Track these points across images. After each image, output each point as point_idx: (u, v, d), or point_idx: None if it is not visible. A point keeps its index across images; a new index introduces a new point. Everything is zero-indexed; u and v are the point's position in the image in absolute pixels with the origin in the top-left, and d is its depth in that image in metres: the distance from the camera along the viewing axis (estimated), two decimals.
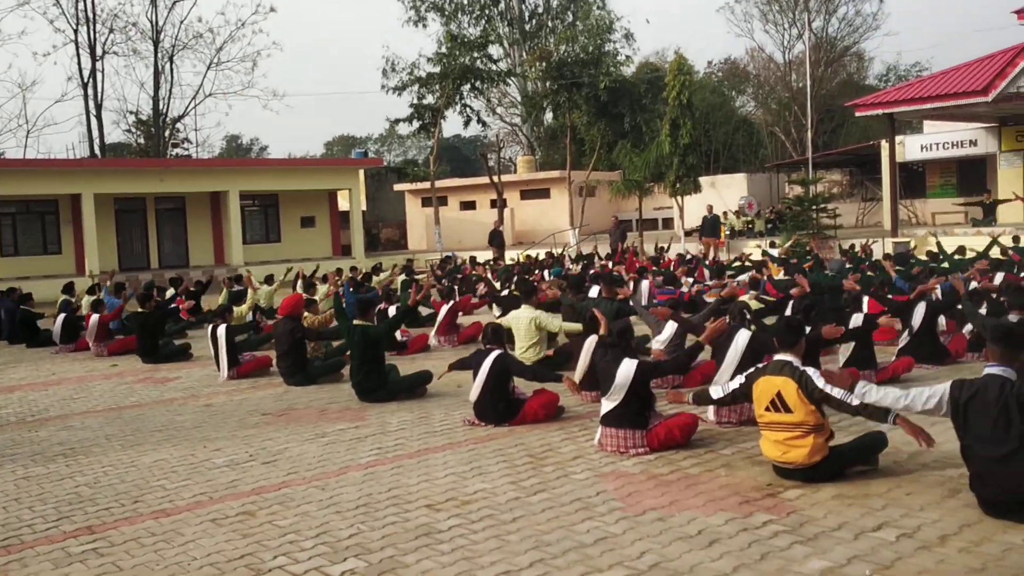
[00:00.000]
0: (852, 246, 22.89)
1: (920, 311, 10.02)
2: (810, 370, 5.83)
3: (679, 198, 28.72)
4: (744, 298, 12.93)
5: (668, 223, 39.45)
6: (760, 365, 6.14)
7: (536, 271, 21.33)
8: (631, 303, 10.78)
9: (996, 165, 27.71)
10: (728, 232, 29.80)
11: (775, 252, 22.14)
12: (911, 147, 29.54)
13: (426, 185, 38.13)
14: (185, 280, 18.36)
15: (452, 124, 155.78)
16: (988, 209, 25.88)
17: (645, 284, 15.32)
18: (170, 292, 16.19)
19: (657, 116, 33.93)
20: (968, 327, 10.18)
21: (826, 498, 5.61)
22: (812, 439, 5.78)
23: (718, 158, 47.78)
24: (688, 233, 33.12)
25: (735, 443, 7.02)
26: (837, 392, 5.69)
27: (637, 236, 29.79)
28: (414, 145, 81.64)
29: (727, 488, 5.88)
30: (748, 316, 8.03)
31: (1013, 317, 7.94)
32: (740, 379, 6.24)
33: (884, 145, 28.26)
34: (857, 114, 26.30)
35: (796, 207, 27.48)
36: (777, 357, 6.04)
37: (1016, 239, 19.42)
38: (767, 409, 5.95)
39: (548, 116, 51.98)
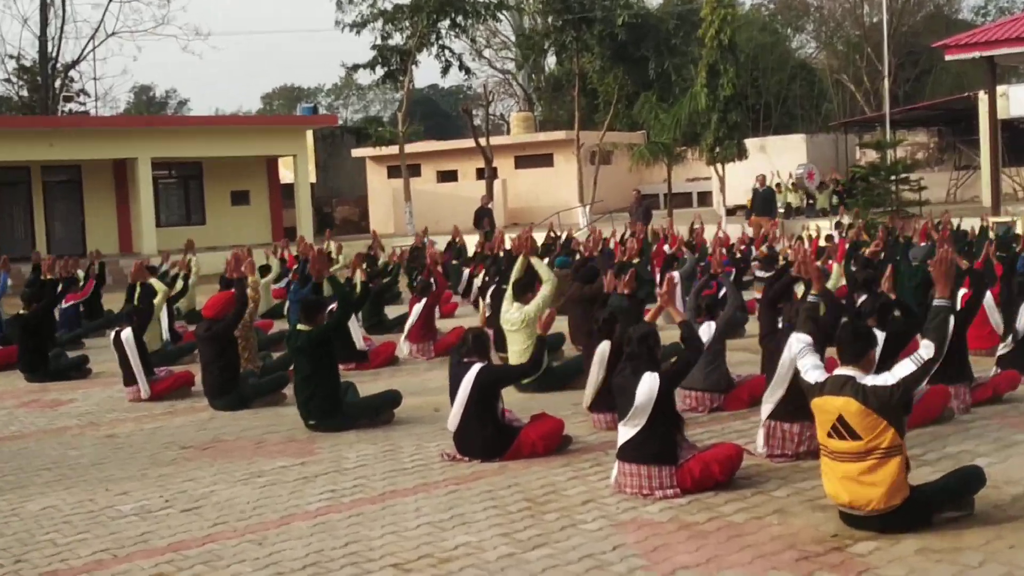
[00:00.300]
0: (958, 226, 22.99)
1: None
2: (868, 377, 5.88)
3: (719, 166, 28.79)
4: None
5: (705, 198, 39.52)
6: (821, 380, 6.16)
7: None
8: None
9: None
10: (783, 210, 29.91)
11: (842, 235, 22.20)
12: (1017, 100, 29.67)
13: (393, 150, 38.14)
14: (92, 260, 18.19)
15: (427, 71, 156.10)
16: None
17: (675, 275, 15.38)
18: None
19: (690, 61, 34.04)
20: None
21: (907, 553, 5.65)
22: (890, 472, 5.80)
23: (769, 115, 47.93)
24: (731, 211, 33.21)
25: (791, 482, 7.06)
26: (908, 367, 5.79)
27: (666, 215, 29.82)
28: (378, 99, 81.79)
29: (780, 540, 5.91)
30: (815, 320, 8.03)
31: None
32: (777, 394, 6.26)
33: (982, 98, 28.31)
34: (947, 58, 26.41)
35: (870, 177, 27.60)
36: (838, 371, 6.07)
37: None
38: (829, 436, 5.99)
39: (551, 61, 52.09)
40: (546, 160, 40.07)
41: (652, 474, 6.85)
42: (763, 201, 26.78)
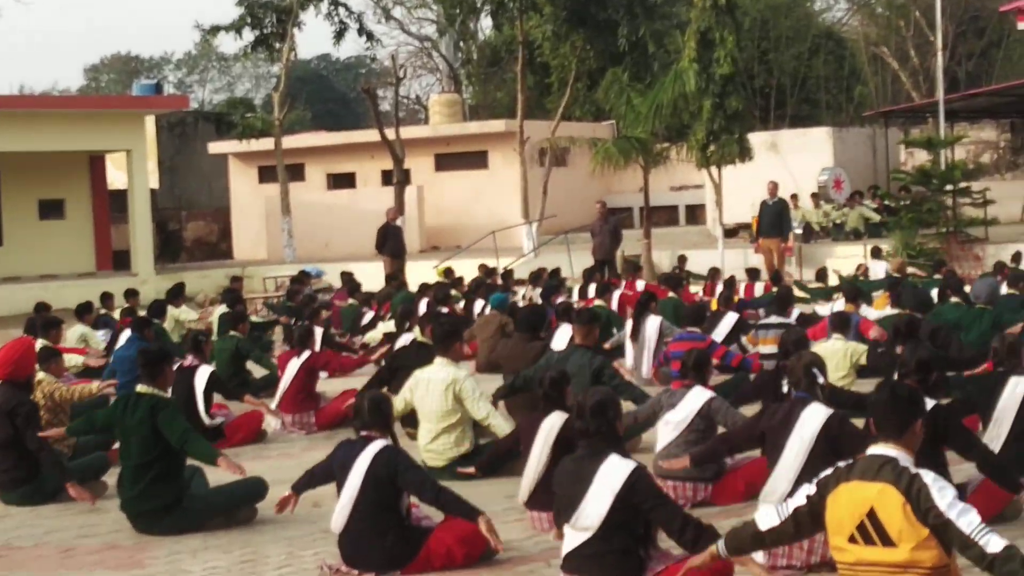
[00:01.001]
0: (1018, 256, 23.52)
1: None
2: (928, 475, 5.97)
3: (714, 170, 29.16)
4: (822, 347, 13.36)
5: (696, 213, 39.91)
6: (842, 464, 6.27)
7: (460, 299, 21.50)
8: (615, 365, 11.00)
9: None
10: (800, 229, 30.33)
11: (882, 267, 22.68)
12: None
13: (268, 144, 38.09)
14: None
15: (314, 37, 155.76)
16: None
17: (653, 323, 15.61)
18: None
19: (676, 27, 34.48)
20: None
21: None
22: None
23: (783, 101, 48.66)
24: (731, 232, 33.56)
25: None
26: (969, 523, 5.81)
27: (642, 237, 30.13)
28: (247, 74, 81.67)
29: None
30: (822, 381, 8.19)
31: None
32: (808, 489, 6.35)
33: None
34: (1021, 25, 27.00)
35: (917, 187, 28.05)
36: (872, 451, 6.17)
37: None
38: (851, 540, 6.06)
39: (485, 25, 52.43)
40: (478, 160, 40.27)
41: None
42: (773, 217, 27.02)
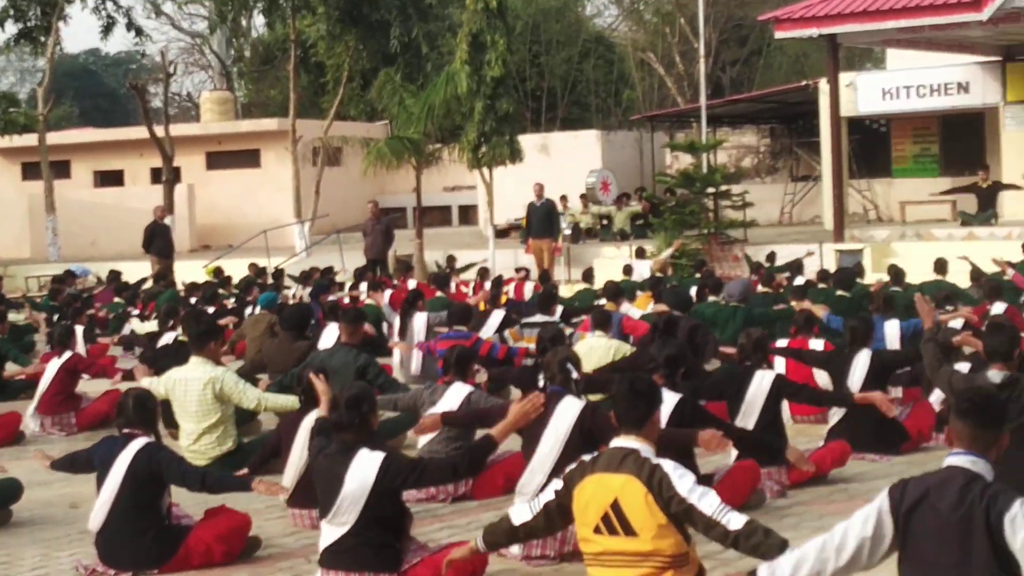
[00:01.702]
0: (772, 256, 24.35)
1: (860, 366, 10.80)
2: (668, 464, 6.20)
3: (485, 171, 29.46)
4: (585, 344, 13.67)
5: (469, 214, 40.27)
6: (587, 457, 6.47)
7: (231, 298, 21.33)
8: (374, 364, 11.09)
9: (999, 124, 30.17)
10: (569, 230, 30.85)
11: (646, 266, 23.22)
12: (868, 92, 31.57)
13: (32, 140, 37.09)
14: None
15: (82, 31, 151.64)
16: (985, 198, 28.08)
17: (420, 319, 15.76)
18: None
19: (449, 29, 34.69)
20: (938, 394, 11.07)
21: None
22: None
23: (554, 104, 49.37)
24: (503, 232, 33.94)
25: None
26: (710, 504, 6.07)
27: (415, 237, 30.28)
28: (11, 67, 79.18)
29: None
30: (576, 376, 8.41)
31: (995, 374, 8.72)
32: (556, 484, 6.54)
33: (823, 89, 30.03)
34: (778, 35, 27.88)
35: (680, 190, 28.76)
36: (615, 443, 6.38)
37: None
38: (596, 531, 6.26)
39: (259, 22, 51.96)
40: (251, 159, 39.93)
41: None
42: (542, 219, 27.28)
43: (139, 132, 37.70)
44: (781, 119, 39.20)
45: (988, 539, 5.29)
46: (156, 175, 37.89)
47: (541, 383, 8.57)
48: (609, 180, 33.71)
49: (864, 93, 31.50)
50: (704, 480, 8.89)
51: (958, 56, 29.91)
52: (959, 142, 33.18)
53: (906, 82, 31.16)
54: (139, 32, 38.85)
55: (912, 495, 5.52)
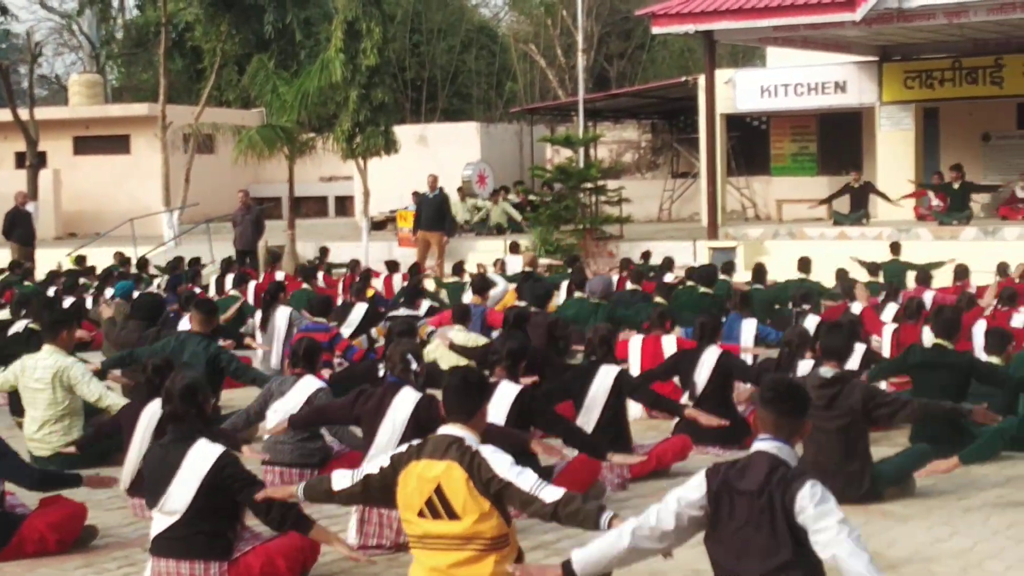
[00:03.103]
0: (647, 254, 24.83)
1: (707, 364, 11.22)
2: (487, 449, 6.51)
3: (360, 161, 29.60)
4: (443, 338, 13.97)
5: (346, 204, 40.35)
6: (415, 443, 6.74)
7: (91, 288, 21.30)
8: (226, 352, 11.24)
9: (875, 124, 30.95)
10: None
11: (519, 261, 23.54)
12: (746, 90, 32.06)
13: None
14: None
15: None
16: (857, 199, 28.81)
17: (282, 313, 15.90)
18: None
19: (324, 16, 34.68)
20: None
21: None
22: (491, 565, 6.43)
23: (435, 94, 49.53)
24: (379, 224, 34.06)
25: None
26: (526, 480, 6.38)
27: (287, 228, 30.30)
28: None
29: None
30: (416, 368, 8.68)
31: (826, 371, 9.19)
32: (383, 460, 6.80)
33: (702, 85, 30.52)
34: (655, 30, 28.36)
35: (558, 183, 29.10)
36: (442, 431, 6.67)
37: (895, 247, 22.04)
38: (420, 515, 6.54)
39: (131, 2, 51.45)
40: (120, 144, 39.55)
41: (195, 573, 7.22)
42: (434, 211, 27.05)
43: (3, 115, 37.21)
44: (662, 115, 39.62)
45: (786, 519, 5.73)
46: (21, 159, 37.48)
47: (381, 373, 8.83)
48: (486, 173, 33.88)
49: (743, 90, 31.90)
50: (544, 473, 9.26)
51: (836, 56, 30.49)
52: (836, 141, 33.96)
53: (784, 80, 31.66)
54: (4, 11, 38.42)
55: (723, 478, 5.95)
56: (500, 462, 6.43)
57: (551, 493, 6.34)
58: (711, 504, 5.94)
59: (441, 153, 35.88)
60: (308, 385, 9.98)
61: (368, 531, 8.23)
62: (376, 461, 6.89)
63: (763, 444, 5.96)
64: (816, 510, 5.67)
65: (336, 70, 28.00)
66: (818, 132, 34.70)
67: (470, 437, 6.58)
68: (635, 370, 12.77)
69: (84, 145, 39.89)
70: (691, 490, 6.00)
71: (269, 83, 29.99)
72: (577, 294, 17.68)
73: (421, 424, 8.29)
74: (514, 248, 25.43)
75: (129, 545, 8.46)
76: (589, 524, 6.34)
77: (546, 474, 9.21)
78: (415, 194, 29.15)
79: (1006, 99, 30.02)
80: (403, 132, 31.62)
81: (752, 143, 35.49)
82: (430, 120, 44.72)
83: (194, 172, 34.75)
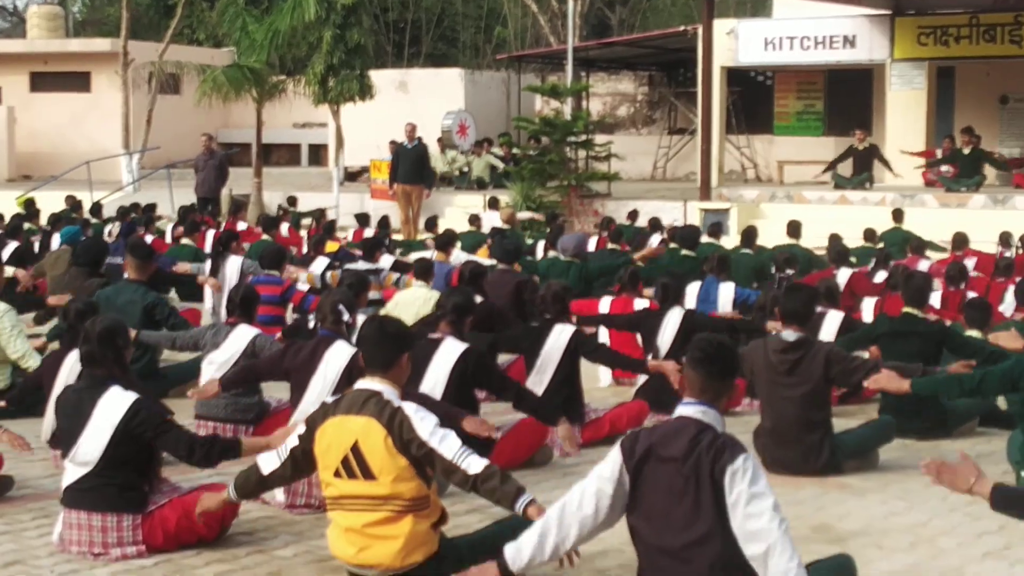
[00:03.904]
0: (634, 214, 24.92)
1: (671, 325, 11.37)
2: (410, 407, 6.66)
3: (334, 107, 29.65)
4: (407, 293, 14.11)
5: (320, 153, 40.36)
6: (330, 399, 6.89)
7: (37, 233, 21.38)
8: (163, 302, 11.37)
9: (885, 82, 30.96)
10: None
11: (496, 217, 23.64)
12: (749, 41, 31.88)
13: None
14: None
15: None
16: (861, 161, 28.87)
17: (233, 263, 15.96)
18: None
19: None
20: None
21: None
22: (409, 525, 6.61)
23: (419, 39, 49.38)
24: (354, 175, 34.13)
25: (306, 538, 7.88)
26: (449, 447, 6.53)
27: (254, 177, 30.37)
28: None
29: None
30: (348, 319, 8.82)
31: (788, 334, 9.35)
32: (300, 429, 6.97)
33: (700, 36, 30.44)
34: None
35: (545, 136, 29.08)
36: (359, 385, 6.83)
37: (897, 214, 22.17)
38: (336, 474, 6.71)
39: None
40: (80, 82, 39.53)
41: (108, 526, 7.40)
42: (413, 162, 26.91)
43: None
44: (661, 67, 39.53)
45: (712, 489, 5.79)
46: None
47: (312, 325, 8.99)
48: (468, 123, 33.87)
49: (746, 42, 31.63)
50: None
51: (846, 7, 30.21)
52: (844, 100, 33.98)
53: (790, 32, 31.38)
54: None
55: (643, 446, 6.01)
56: (423, 423, 6.58)
57: (474, 464, 6.50)
58: (631, 473, 6.03)
59: (422, 101, 35.88)
60: (244, 334, 10.12)
61: (296, 489, 8.39)
62: (294, 433, 7.05)
63: (688, 408, 6.00)
64: (749, 491, 5.71)
65: (310, 8, 28.07)
66: (825, 90, 34.78)
67: (389, 391, 6.72)
68: (603, 335, 12.92)
69: (42, 82, 39.87)
70: (608, 464, 6.09)
71: (239, 20, 29.95)
72: (552, 253, 17.83)
73: (354, 380, 8.43)
74: (493, 204, 25.46)
75: (47, 496, 8.60)
76: (505, 504, 6.51)
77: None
78: (392, 144, 29.14)
79: None
80: (381, 77, 31.72)
81: (755, 99, 35.52)
82: (413, 65, 44.64)
83: (157, 114, 34.83)
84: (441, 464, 6.54)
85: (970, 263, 17.47)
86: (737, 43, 31.65)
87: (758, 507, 5.68)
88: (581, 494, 6.10)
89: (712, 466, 5.79)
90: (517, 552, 6.13)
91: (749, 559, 5.68)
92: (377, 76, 31.54)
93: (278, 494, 8.47)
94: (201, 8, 40.34)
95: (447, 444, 6.55)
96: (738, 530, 5.71)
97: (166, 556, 7.41)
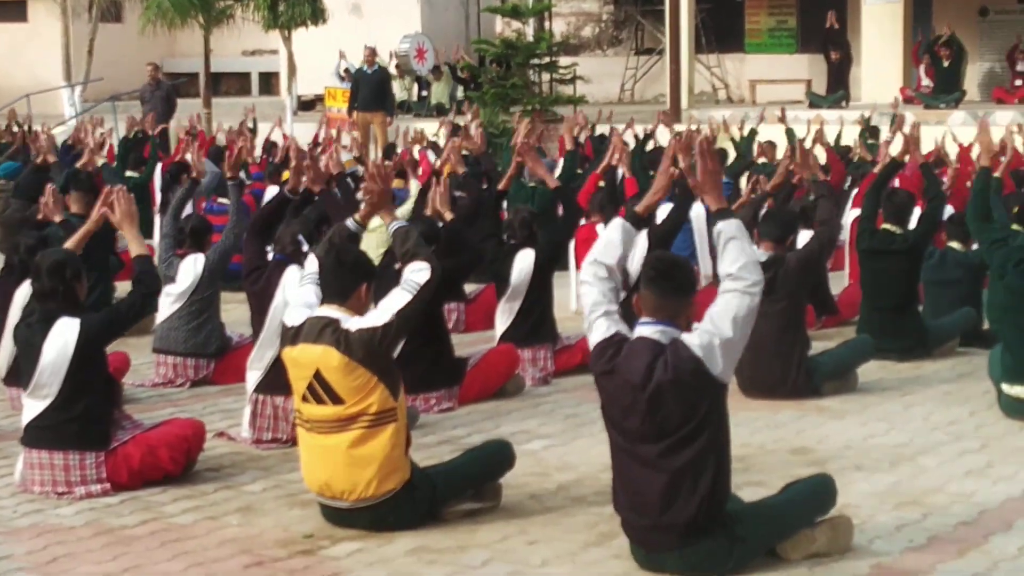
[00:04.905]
0: (604, 136, 24.97)
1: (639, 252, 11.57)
2: (358, 322, 6.90)
3: (285, 33, 29.52)
4: (373, 222, 14.23)
5: (272, 82, 40.19)
6: (292, 324, 7.03)
7: None
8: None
9: None
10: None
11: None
12: None
13: None
14: None
15: None
16: (836, 76, 28.98)
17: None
18: None
19: None
20: None
21: (397, 554, 6.70)
22: (381, 447, 6.76)
23: None
24: (307, 104, 33.98)
25: (275, 473, 8.06)
26: (400, 296, 6.90)
27: (203, 107, 30.25)
28: None
29: (233, 544, 6.83)
30: (307, 248, 8.96)
31: (761, 253, 9.53)
32: (268, 356, 7.14)
33: None
34: None
35: (507, 59, 29.00)
36: (318, 312, 7.00)
37: (872, 130, 22.34)
38: (304, 400, 6.91)
39: None
40: (16, 11, 39.01)
41: (70, 464, 7.55)
42: (374, 88, 26.72)
43: None
44: None
45: (682, 401, 6.07)
46: None
47: (269, 255, 9.13)
48: (425, 47, 33.50)
49: None
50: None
51: None
52: (818, 15, 33.85)
53: None
54: None
55: (605, 365, 6.28)
56: (372, 317, 6.86)
57: (421, 275, 6.98)
58: (597, 380, 6.38)
59: (377, 24, 35.57)
60: (195, 263, 10.25)
61: (262, 424, 8.59)
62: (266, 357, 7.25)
63: (645, 329, 6.20)
64: (711, 325, 6.07)
65: None
66: (798, 4, 34.63)
67: (345, 318, 6.90)
68: (570, 260, 13.09)
69: None
70: (598, 329, 6.38)
71: None
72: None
73: None
74: (455, 131, 25.44)
75: (5, 438, 8.75)
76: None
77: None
78: (347, 71, 29.09)
79: None
80: (334, 1, 31.44)
81: (725, 16, 35.30)
82: None
83: (99, 43, 34.52)
84: (410, 310, 6.89)
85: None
86: None
87: (720, 303, 6.12)
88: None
89: (680, 381, 6.04)
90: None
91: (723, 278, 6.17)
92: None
93: (244, 430, 8.65)
94: None
95: (395, 297, 6.93)
96: (724, 319, 6.07)
97: (132, 494, 7.57)
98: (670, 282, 6.20)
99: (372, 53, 27.11)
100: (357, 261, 7.13)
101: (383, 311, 6.83)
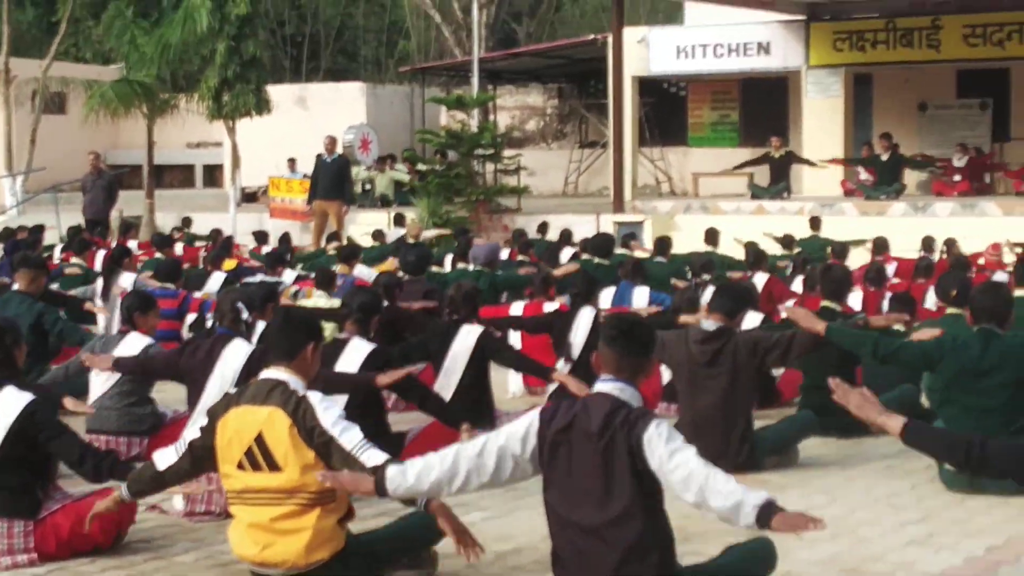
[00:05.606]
0: (544, 226, 25.12)
1: (583, 325, 11.51)
2: (315, 396, 6.72)
3: (230, 124, 29.61)
4: (311, 302, 14.19)
5: (216, 174, 40.31)
6: (232, 390, 6.94)
7: None
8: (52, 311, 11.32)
9: (801, 90, 31.32)
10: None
11: (399, 234, 23.74)
12: (661, 50, 32.05)
13: None
14: None
15: None
16: (778, 169, 29.20)
17: (127, 278, 15.95)
18: None
19: None
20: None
21: None
22: (314, 519, 6.64)
23: (317, 53, 49.38)
24: (251, 196, 33.97)
25: (208, 544, 7.92)
26: (350, 439, 6.58)
27: (146, 198, 30.24)
28: None
29: None
30: (247, 317, 8.89)
31: (709, 324, 9.52)
32: (201, 421, 7.00)
33: (611, 44, 30.65)
34: None
35: (451, 150, 29.17)
36: (264, 375, 6.88)
37: (814, 222, 22.55)
38: (239, 467, 6.74)
39: None
40: None
41: (2, 532, 7.42)
42: (333, 177, 26.42)
43: None
44: (570, 78, 39.77)
45: (629, 462, 5.96)
46: None
47: (209, 323, 9.06)
48: (370, 137, 33.66)
49: (657, 51, 31.70)
50: (397, 437, 9.54)
51: (759, 13, 30.44)
52: (760, 109, 34.25)
53: (703, 40, 31.54)
54: None
55: (561, 421, 6.15)
56: (326, 412, 6.65)
57: (374, 457, 6.52)
58: (547, 446, 6.15)
59: (322, 116, 35.84)
60: (136, 342, 10.12)
61: (196, 497, 8.41)
62: (195, 426, 7.08)
63: (604, 385, 6.17)
64: (667, 447, 5.88)
65: (202, 19, 28.09)
66: (740, 99, 35.13)
67: (294, 381, 6.78)
68: (515, 339, 13.06)
69: None
70: (522, 425, 6.21)
71: (127, 34, 29.87)
72: (460, 265, 17.97)
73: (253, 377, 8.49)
74: (399, 220, 25.50)
75: None
76: (406, 498, 6.57)
77: (399, 438, 9.54)
78: (291, 161, 29.15)
79: (944, 64, 30.32)
80: (279, 92, 31.67)
81: (668, 111, 35.84)
82: (312, 80, 44.65)
83: (42, 133, 34.57)
84: (339, 454, 6.57)
85: (890, 268, 17.85)
86: (649, 52, 31.65)
87: (680, 457, 5.87)
88: (484, 444, 6.20)
89: (628, 440, 5.96)
90: (400, 474, 6.23)
91: (695, 506, 5.90)
92: (275, 91, 31.47)
93: (177, 502, 8.50)
94: (87, 25, 40.13)
95: (348, 435, 6.60)
96: (671, 486, 5.91)
97: (60, 564, 7.43)
98: (631, 342, 6.17)
99: (332, 142, 27.05)
100: (305, 321, 7.06)
101: (338, 425, 6.62)
